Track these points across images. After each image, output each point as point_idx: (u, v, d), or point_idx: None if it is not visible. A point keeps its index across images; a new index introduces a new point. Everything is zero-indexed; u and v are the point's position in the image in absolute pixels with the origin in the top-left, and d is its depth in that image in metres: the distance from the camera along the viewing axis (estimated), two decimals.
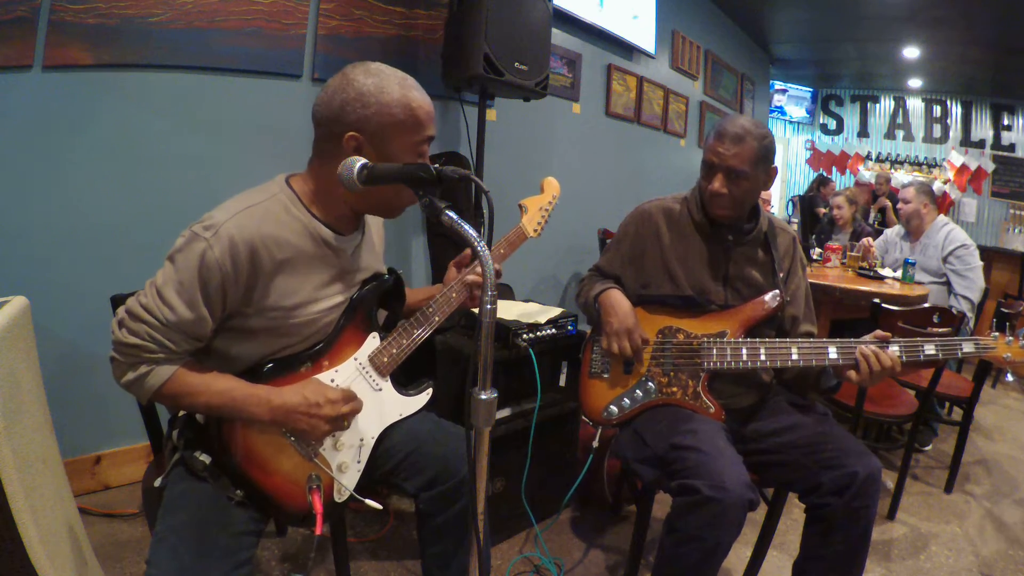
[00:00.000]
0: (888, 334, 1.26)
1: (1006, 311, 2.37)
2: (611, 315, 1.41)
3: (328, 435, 1.02)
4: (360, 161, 0.88)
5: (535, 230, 1.35)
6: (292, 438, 0.99)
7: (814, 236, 4.25)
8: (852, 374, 1.26)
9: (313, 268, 1.01)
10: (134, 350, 0.89)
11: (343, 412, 0.99)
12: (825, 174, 6.45)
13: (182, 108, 1.86)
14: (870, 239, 3.36)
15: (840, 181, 7.11)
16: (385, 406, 1.13)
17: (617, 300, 1.43)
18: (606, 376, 1.46)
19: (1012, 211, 6.46)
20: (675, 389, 1.39)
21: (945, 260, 2.83)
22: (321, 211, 1.02)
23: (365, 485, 1.09)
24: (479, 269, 1.18)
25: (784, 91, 7.30)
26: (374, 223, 1.22)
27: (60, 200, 1.67)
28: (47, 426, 1.10)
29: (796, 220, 4.20)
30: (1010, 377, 3.99)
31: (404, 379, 1.18)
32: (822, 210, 4.69)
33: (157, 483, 0.99)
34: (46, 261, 1.66)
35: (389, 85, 0.98)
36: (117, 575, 1.48)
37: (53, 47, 1.58)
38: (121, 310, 0.92)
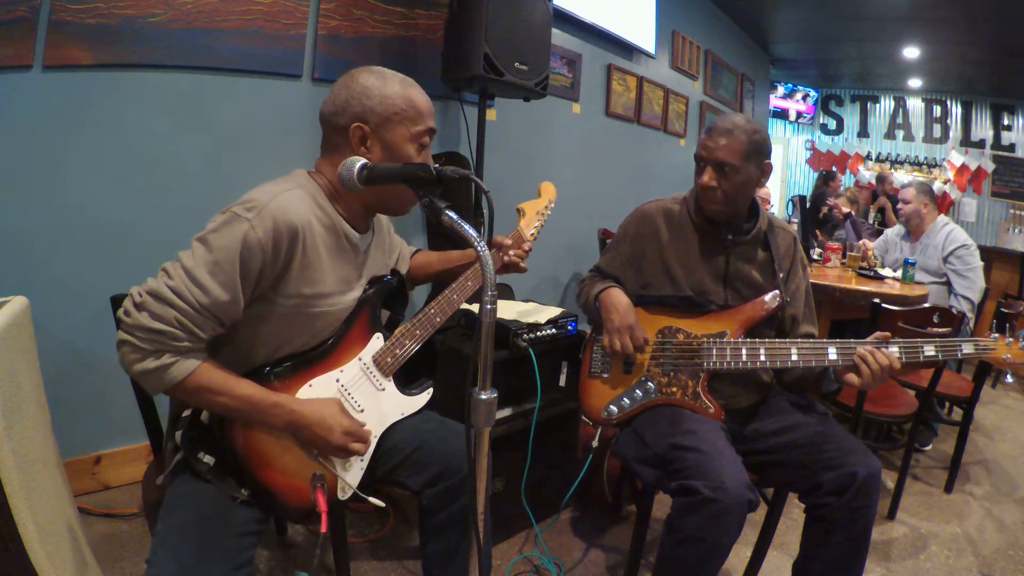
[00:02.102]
0: (888, 334, 1.26)
1: (1006, 311, 2.37)
2: (612, 313, 1.41)
3: (331, 456, 1.02)
4: (360, 161, 0.89)
5: (532, 234, 1.37)
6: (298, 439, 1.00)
7: (828, 233, 4.26)
8: (853, 378, 1.25)
9: (334, 260, 1.03)
10: (158, 336, 0.85)
11: (350, 447, 1.01)
12: (828, 171, 6.46)
13: (182, 108, 1.86)
14: (867, 241, 3.35)
15: (843, 181, 7.10)
16: (387, 406, 1.14)
17: (617, 298, 1.43)
18: (606, 376, 1.46)
19: (1012, 211, 6.46)
20: (675, 389, 1.39)
21: (945, 260, 2.83)
22: (341, 207, 1.05)
23: (368, 483, 1.09)
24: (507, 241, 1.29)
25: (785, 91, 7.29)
26: (384, 224, 1.23)
27: (60, 200, 1.67)
28: (47, 426, 1.10)
29: (796, 220, 4.20)
30: (1010, 378, 3.99)
31: (404, 379, 1.19)
32: (825, 209, 4.69)
33: (159, 481, 0.99)
34: (46, 261, 1.66)
35: (391, 81, 1.03)
36: (117, 575, 1.48)
37: (53, 47, 1.58)
38: (138, 291, 0.87)
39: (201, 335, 0.89)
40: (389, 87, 1.02)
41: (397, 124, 1.02)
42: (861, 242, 3.34)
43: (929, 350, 1.23)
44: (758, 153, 1.36)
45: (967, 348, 1.23)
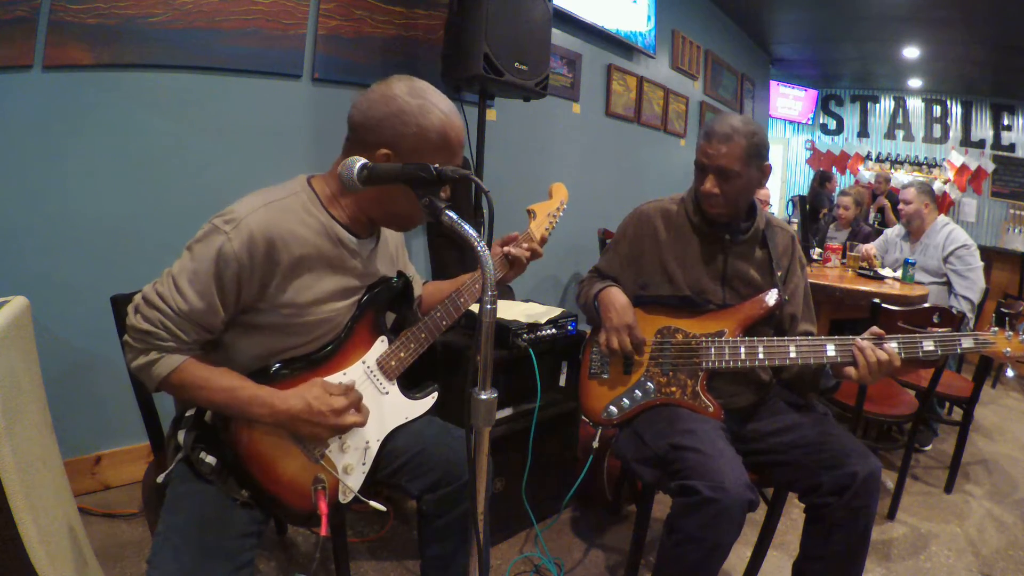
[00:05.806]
0: (882, 332, 1.26)
1: (1006, 311, 2.36)
2: (610, 311, 1.41)
3: (331, 438, 1.02)
4: (360, 161, 0.89)
5: (542, 237, 1.34)
6: (298, 441, 1.00)
7: (814, 235, 4.25)
8: (851, 371, 1.25)
9: (329, 268, 1.02)
10: (146, 336, 0.91)
11: (346, 423, 0.99)
12: (824, 171, 6.45)
13: (182, 108, 1.86)
14: (871, 246, 3.35)
15: (840, 181, 7.10)
16: (391, 409, 1.13)
17: (616, 297, 1.43)
18: (605, 376, 1.46)
19: (1012, 211, 6.46)
20: (674, 389, 1.39)
21: (946, 260, 2.83)
22: (340, 213, 1.04)
23: (368, 486, 1.09)
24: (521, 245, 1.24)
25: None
26: (390, 239, 1.21)
27: (60, 200, 1.67)
28: (47, 426, 1.10)
29: (796, 220, 4.21)
30: (1010, 373, 3.99)
31: (407, 382, 1.18)
32: (824, 210, 4.69)
33: (160, 479, 0.99)
34: (46, 261, 1.66)
35: (431, 110, 0.99)
36: (117, 575, 1.48)
37: (53, 47, 1.58)
38: (138, 296, 0.94)
39: (184, 338, 0.93)
40: (428, 116, 0.98)
41: (424, 157, 0.98)
42: (864, 248, 3.34)
43: (928, 345, 1.23)
44: (758, 156, 1.36)
45: (966, 343, 1.23)
